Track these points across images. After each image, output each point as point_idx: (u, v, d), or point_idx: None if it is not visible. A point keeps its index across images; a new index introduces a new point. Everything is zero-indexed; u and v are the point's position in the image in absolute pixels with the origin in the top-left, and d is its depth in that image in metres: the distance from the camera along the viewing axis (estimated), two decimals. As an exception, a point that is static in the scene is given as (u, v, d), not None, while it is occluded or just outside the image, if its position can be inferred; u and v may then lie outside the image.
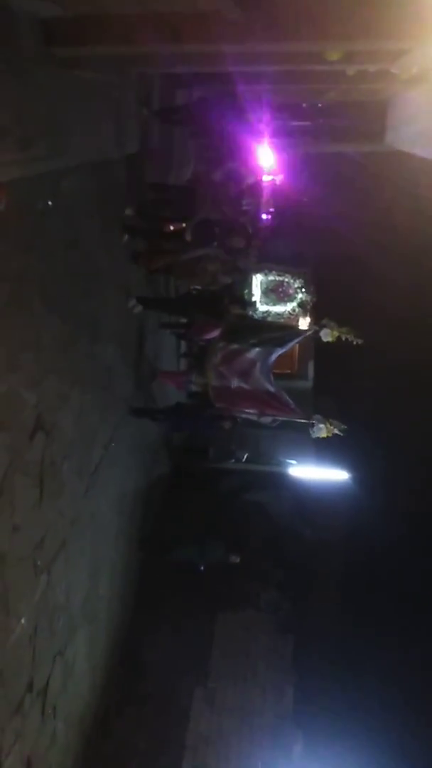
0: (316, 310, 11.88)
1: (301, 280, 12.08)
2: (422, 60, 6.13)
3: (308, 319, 12.43)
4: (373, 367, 11.74)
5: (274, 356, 6.88)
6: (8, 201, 4.02)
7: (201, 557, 7.92)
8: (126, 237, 6.96)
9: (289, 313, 12.17)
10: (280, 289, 12.12)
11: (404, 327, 11.57)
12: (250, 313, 9.84)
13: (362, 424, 10.92)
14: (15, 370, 4.32)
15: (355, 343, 6.75)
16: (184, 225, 7.14)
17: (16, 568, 4.46)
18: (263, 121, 10.03)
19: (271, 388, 6.88)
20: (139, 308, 7.46)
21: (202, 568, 7.92)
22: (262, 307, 12.16)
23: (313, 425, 6.73)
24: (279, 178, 12.10)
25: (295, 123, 12.17)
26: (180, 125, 8.53)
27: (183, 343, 9.98)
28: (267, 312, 12.17)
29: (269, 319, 12.53)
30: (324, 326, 6.86)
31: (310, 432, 6.76)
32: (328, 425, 6.67)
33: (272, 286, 12.26)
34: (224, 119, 7.90)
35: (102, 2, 4.24)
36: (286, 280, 12.07)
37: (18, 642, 4.53)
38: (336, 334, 6.82)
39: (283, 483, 9.77)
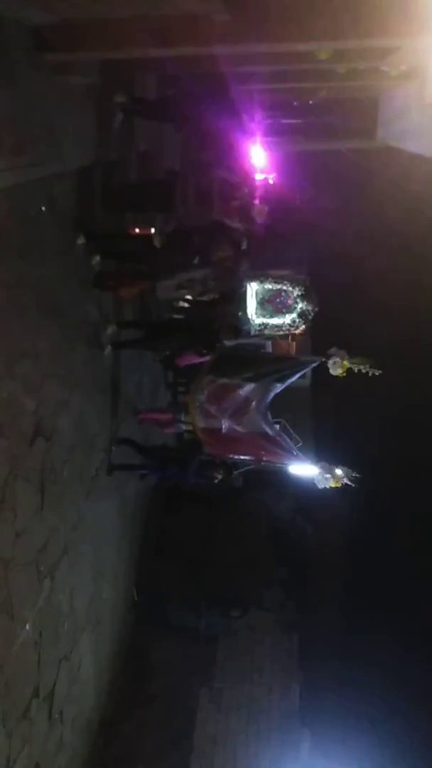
0: (315, 319, 11.23)
1: (300, 287, 10.59)
2: (411, 57, 6.19)
3: (303, 327, 11.75)
4: (373, 362, 11.76)
5: (272, 394, 5.90)
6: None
7: (199, 627, 7.71)
8: (81, 239, 5.67)
9: (289, 325, 10.68)
10: (278, 300, 10.47)
11: (400, 321, 11.60)
12: (245, 333, 8.83)
13: (364, 421, 10.96)
14: (13, 376, 4.33)
15: (371, 374, 5.69)
16: (153, 230, 6.05)
17: (19, 573, 4.46)
18: (255, 119, 10.03)
19: (270, 431, 5.88)
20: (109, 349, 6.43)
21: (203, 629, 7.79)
22: (257, 320, 10.62)
23: (318, 475, 5.80)
24: (272, 177, 12.09)
25: (286, 121, 12.18)
26: (162, 120, 7.83)
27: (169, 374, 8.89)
28: (263, 324, 10.70)
29: (266, 331, 11.74)
30: (332, 356, 5.82)
31: (315, 482, 5.85)
32: (336, 474, 5.74)
33: (269, 297, 10.66)
34: (211, 113, 6.98)
35: (90, 7, 4.25)
36: (285, 288, 10.51)
37: (23, 647, 4.54)
38: (347, 365, 5.74)
39: (284, 482, 9.78)
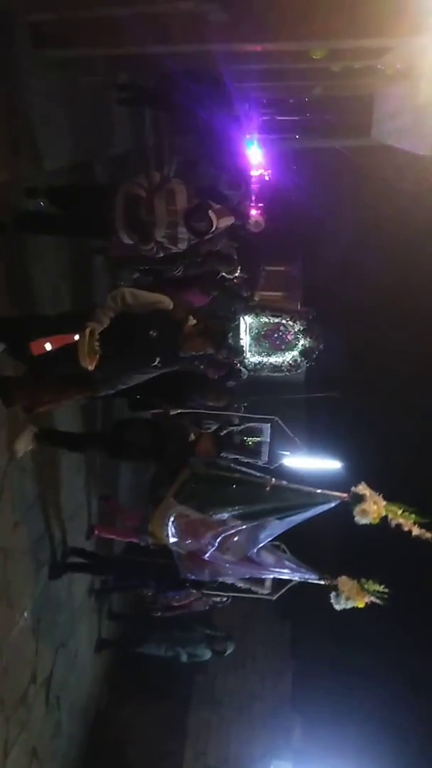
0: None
1: (302, 321, 9.34)
2: (405, 56, 6.28)
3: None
4: (367, 359, 11.87)
5: (269, 533, 4.35)
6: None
7: (178, 657, 6.60)
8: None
9: (290, 365, 9.49)
10: (276, 335, 9.44)
11: (394, 317, 11.64)
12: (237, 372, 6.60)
13: (356, 414, 11.02)
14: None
15: (414, 534, 3.98)
16: (76, 337, 3.43)
17: (18, 562, 4.55)
18: (251, 116, 10.07)
19: (269, 558, 4.51)
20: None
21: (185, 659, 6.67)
22: (253, 358, 9.46)
23: (336, 590, 4.30)
24: (268, 174, 12.14)
25: (282, 118, 12.25)
26: (159, 108, 7.24)
27: None
28: (260, 363, 9.50)
29: (263, 372, 9.49)
30: (359, 498, 4.09)
31: (333, 602, 4.35)
32: (359, 590, 4.23)
33: (265, 331, 9.49)
34: (207, 109, 6.19)
35: (88, 4, 4.32)
36: (284, 322, 9.35)
37: (21, 634, 4.62)
38: (381, 512, 4.04)
39: (277, 473, 9.78)
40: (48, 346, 3.44)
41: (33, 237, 4.59)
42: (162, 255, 4.60)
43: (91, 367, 3.46)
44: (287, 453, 6.44)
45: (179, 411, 5.44)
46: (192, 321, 3.84)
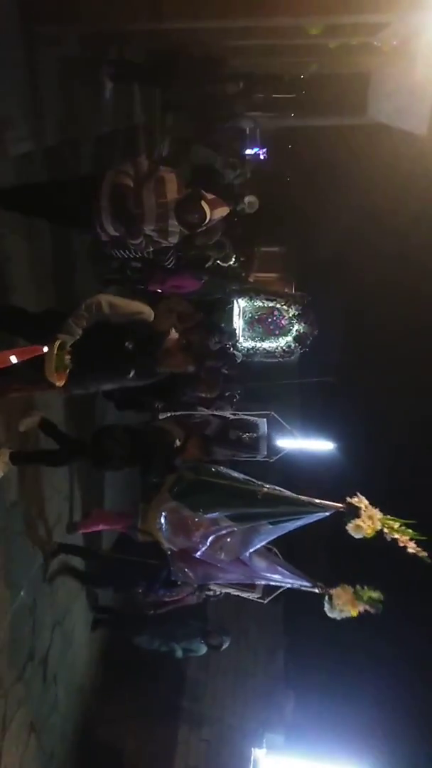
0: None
1: (297, 306, 9.16)
2: (402, 33, 6.20)
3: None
4: (360, 341, 11.89)
5: (263, 538, 4.25)
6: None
7: (173, 653, 6.45)
8: None
9: (283, 350, 9.41)
10: (270, 320, 9.25)
11: (390, 299, 11.62)
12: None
13: (348, 396, 11.08)
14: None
15: (411, 551, 3.81)
16: (45, 349, 3.24)
17: (14, 542, 4.59)
18: (245, 93, 9.90)
19: (261, 562, 4.45)
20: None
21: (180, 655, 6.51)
22: (246, 343, 9.33)
23: (330, 599, 4.18)
24: (263, 152, 12.00)
25: (277, 96, 12.07)
26: (151, 84, 6.93)
27: None
28: (253, 348, 9.39)
29: (256, 358, 9.36)
30: (355, 511, 3.95)
31: (327, 610, 4.23)
32: (353, 601, 4.09)
33: (259, 316, 9.32)
34: (201, 85, 5.93)
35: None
36: (278, 306, 9.16)
37: (18, 612, 4.68)
38: (376, 527, 3.89)
39: (277, 467, 9.72)
40: (13, 359, 3.16)
41: (16, 221, 4.46)
42: (152, 249, 4.34)
43: (59, 383, 3.24)
44: (282, 436, 6.40)
45: (169, 414, 5.22)
46: (174, 335, 3.63)
